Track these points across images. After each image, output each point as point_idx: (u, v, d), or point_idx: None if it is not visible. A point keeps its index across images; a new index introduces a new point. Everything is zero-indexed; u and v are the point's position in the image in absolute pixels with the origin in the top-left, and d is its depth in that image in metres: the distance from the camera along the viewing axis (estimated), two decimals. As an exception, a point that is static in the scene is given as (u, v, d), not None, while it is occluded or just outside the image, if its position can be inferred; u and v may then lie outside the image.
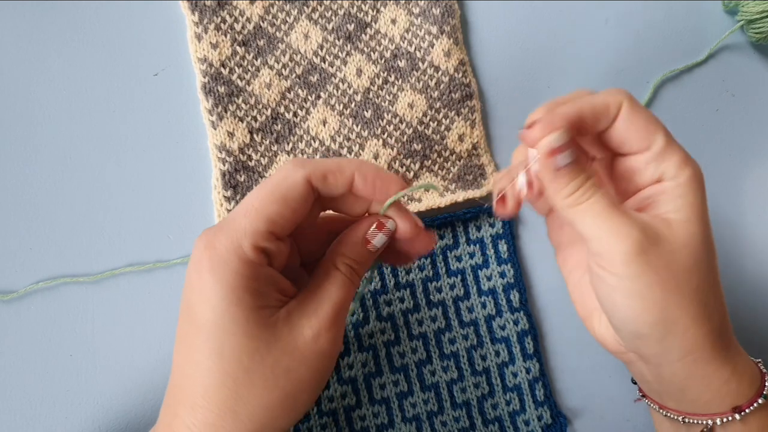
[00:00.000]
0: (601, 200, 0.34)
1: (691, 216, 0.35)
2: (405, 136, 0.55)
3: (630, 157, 0.37)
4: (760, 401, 0.37)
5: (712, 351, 0.35)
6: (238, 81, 0.55)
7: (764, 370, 0.39)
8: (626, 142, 0.36)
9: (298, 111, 0.55)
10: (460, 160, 0.56)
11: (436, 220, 0.53)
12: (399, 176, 0.37)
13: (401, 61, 0.56)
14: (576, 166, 0.34)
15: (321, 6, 0.57)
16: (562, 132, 0.34)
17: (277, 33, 0.56)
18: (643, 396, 0.42)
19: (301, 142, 0.55)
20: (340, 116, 0.55)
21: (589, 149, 0.40)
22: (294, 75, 0.56)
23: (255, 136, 0.54)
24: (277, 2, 0.56)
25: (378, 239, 0.36)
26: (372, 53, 0.56)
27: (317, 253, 0.39)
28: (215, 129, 0.53)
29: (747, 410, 0.36)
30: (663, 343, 0.35)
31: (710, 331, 0.35)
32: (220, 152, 0.53)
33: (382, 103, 0.56)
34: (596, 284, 0.36)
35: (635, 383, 0.43)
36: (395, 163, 0.55)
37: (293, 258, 0.38)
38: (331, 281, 0.35)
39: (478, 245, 0.54)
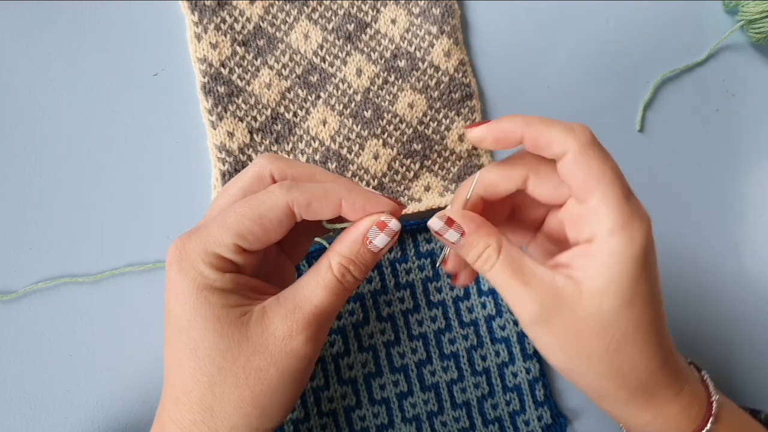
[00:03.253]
0: (503, 270, 0.35)
1: (606, 288, 0.33)
2: (405, 136, 0.55)
3: (561, 210, 0.37)
4: (708, 427, 0.37)
5: (627, 398, 0.36)
6: (238, 81, 0.55)
7: (710, 386, 0.38)
8: (553, 199, 0.36)
9: (298, 111, 0.55)
10: (460, 160, 0.56)
11: (436, 220, 0.53)
12: (390, 199, 0.36)
13: (401, 61, 0.56)
14: (469, 243, 0.35)
15: (321, 6, 0.57)
16: (435, 217, 0.36)
17: (277, 33, 0.56)
18: None
19: (301, 142, 0.55)
20: (340, 116, 0.55)
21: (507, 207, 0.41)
22: (294, 75, 0.56)
23: (255, 136, 0.54)
24: (277, 2, 0.56)
25: (379, 239, 0.35)
26: (372, 53, 0.56)
27: (308, 241, 0.40)
28: (215, 129, 0.53)
29: None
30: (576, 382, 0.37)
31: (623, 385, 0.35)
32: (220, 152, 0.53)
33: (382, 103, 0.56)
34: None
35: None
36: (395, 163, 0.55)
37: (269, 256, 0.38)
38: (319, 281, 0.34)
39: (478, 245, 0.54)
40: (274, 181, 0.35)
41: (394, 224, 0.35)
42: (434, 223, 0.36)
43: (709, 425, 0.36)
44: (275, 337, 0.33)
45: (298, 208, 0.33)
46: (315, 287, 0.34)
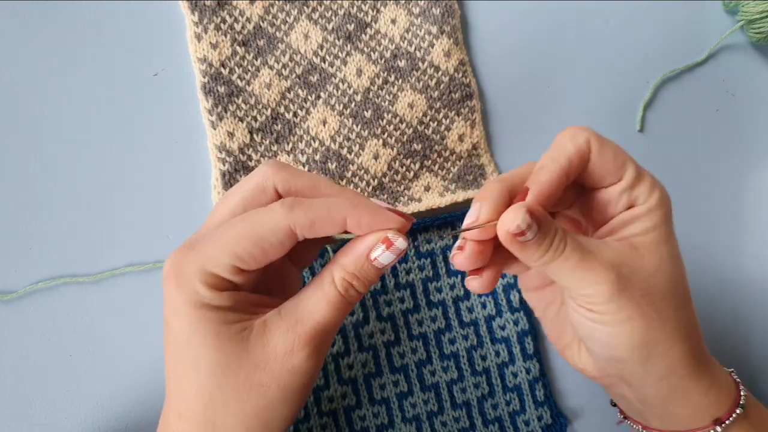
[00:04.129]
0: (572, 254, 0.33)
1: (659, 238, 0.35)
2: (405, 136, 0.55)
3: (602, 190, 0.37)
4: (738, 411, 0.37)
5: (692, 367, 0.36)
6: (238, 81, 0.55)
7: (738, 380, 0.40)
8: (598, 178, 0.36)
9: (298, 111, 0.55)
10: (460, 160, 0.56)
11: (436, 220, 0.53)
12: (398, 214, 0.34)
13: (401, 61, 0.56)
14: (542, 235, 0.33)
15: (321, 6, 0.57)
16: (524, 217, 0.32)
17: (277, 33, 0.56)
18: (625, 418, 0.42)
19: (301, 142, 0.55)
20: (340, 116, 0.55)
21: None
22: (294, 75, 0.56)
23: (255, 136, 0.54)
24: (277, 2, 0.56)
25: (385, 257, 0.33)
26: (372, 53, 0.56)
27: (313, 250, 0.39)
28: (215, 129, 0.53)
29: (727, 421, 0.37)
30: (645, 365, 0.35)
31: (689, 348, 0.36)
32: (220, 152, 0.53)
33: (382, 103, 0.56)
34: (576, 319, 0.36)
35: (615, 405, 0.44)
36: (395, 163, 0.55)
37: (273, 263, 0.36)
38: (321, 296, 0.33)
39: (478, 245, 0.54)
40: (277, 193, 0.34)
41: (400, 243, 0.33)
42: (520, 220, 0.31)
43: (742, 393, 0.38)
44: (276, 352, 0.32)
45: (300, 229, 0.32)
46: (317, 301, 0.33)
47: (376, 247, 0.33)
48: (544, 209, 0.33)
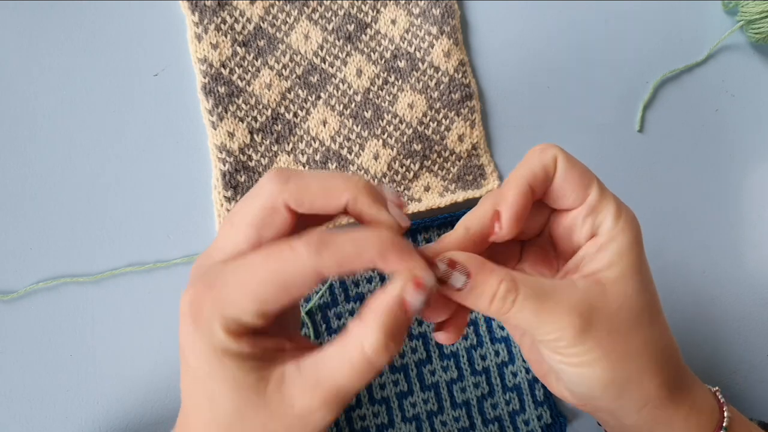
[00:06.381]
0: (526, 303, 0.32)
1: (624, 270, 0.33)
2: (405, 137, 0.55)
3: (566, 215, 0.36)
4: (726, 417, 0.36)
5: (667, 397, 0.35)
6: (239, 81, 0.55)
7: (722, 400, 0.38)
8: (562, 197, 0.35)
9: (299, 111, 0.55)
10: (459, 161, 0.56)
11: (436, 221, 0.54)
12: (423, 256, 0.32)
13: (401, 62, 0.56)
14: (473, 282, 0.32)
15: (321, 6, 0.57)
16: (440, 264, 0.31)
17: (278, 33, 0.56)
18: None
19: (302, 142, 0.55)
20: (340, 116, 0.55)
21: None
22: (294, 75, 0.56)
23: (255, 136, 0.54)
24: (277, 3, 0.56)
25: (415, 299, 0.30)
26: (372, 54, 0.56)
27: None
28: (215, 129, 0.53)
29: None
30: (619, 400, 0.35)
31: (664, 379, 0.35)
32: (221, 152, 0.53)
33: (382, 104, 0.56)
34: (545, 357, 0.35)
35: (600, 425, 0.44)
36: (395, 163, 0.55)
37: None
38: (345, 359, 0.30)
39: (478, 245, 0.54)
40: (289, 210, 0.31)
41: (428, 280, 0.31)
42: (433, 272, 0.31)
43: (726, 414, 0.37)
44: (293, 410, 0.31)
45: (328, 271, 0.30)
46: (340, 364, 0.30)
47: (408, 293, 0.30)
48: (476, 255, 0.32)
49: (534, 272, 0.38)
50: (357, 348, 0.30)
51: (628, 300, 0.33)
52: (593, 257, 0.34)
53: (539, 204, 0.36)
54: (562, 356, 0.33)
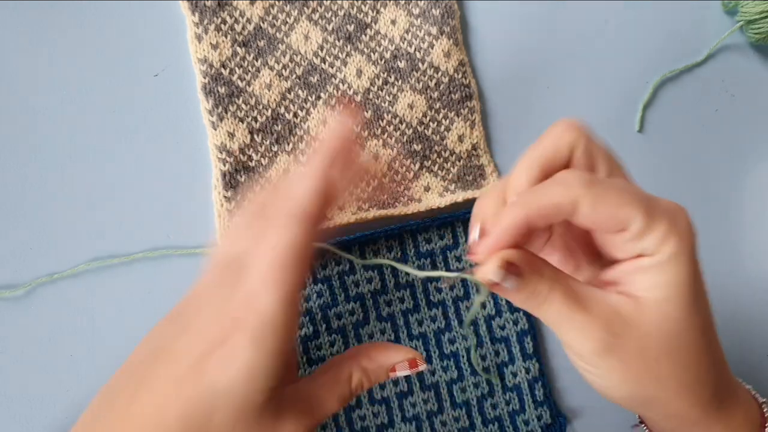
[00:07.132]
0: (558, 302, 0.31)
1: (669, 295, 0.31)
2: (405, 137, 0.55)
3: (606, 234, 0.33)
4: None
5: (702, 414, 0.34)
6: (239, 82, 0.55)
7: (761, 400, 0.37)
8: (597, 227, 0.32)
9: (299, 111, 0.55)
10: (459, 161, 0.56)
11: (436, 221, 0.54)
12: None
13: (401, 62, 0.56)
14: (522, 282, 0.31)
15: (321, 7, 0.57)
16: (498, 270, 0.31)
17: (278, 34, 0.56)
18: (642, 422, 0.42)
19: (302, 142, 0.55)
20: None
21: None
22: (294, 76, 0.56)
23: (255, 136, 0.54)
24: (277, 3, 0.56)
25: (402, 372, 0.36)
26: (372, 54, 0.56)
27: None
28: (215, 129, 0.53)
29: None
30: (641, 410, 0.35)
31: (699, 401, 0.33)
32: (221, 153, 0.53)
33: (382, 104, 0.56)
34: (567, 353, 0.35)
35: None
36: (395, 163, 0.55)
37: None
38: (335, 390, 0.35)
39: (477, 245, 0.54)
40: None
41: (423, 368, 0.36)
42: (493, 273, 0.31)
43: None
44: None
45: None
46: (331, 396, 0.35)
47: (401, 366, 0.35)
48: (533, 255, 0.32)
49: (562, 252, 0.37)
50: (346, 382, 0.35)
51: (668, 323, 0.31)
52: (634, 278, 0.32)
53: None
54: (584, 363, 0.33)
